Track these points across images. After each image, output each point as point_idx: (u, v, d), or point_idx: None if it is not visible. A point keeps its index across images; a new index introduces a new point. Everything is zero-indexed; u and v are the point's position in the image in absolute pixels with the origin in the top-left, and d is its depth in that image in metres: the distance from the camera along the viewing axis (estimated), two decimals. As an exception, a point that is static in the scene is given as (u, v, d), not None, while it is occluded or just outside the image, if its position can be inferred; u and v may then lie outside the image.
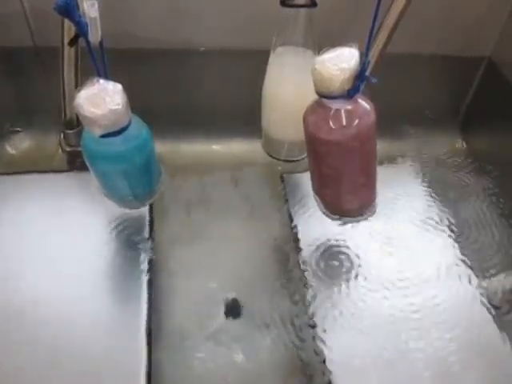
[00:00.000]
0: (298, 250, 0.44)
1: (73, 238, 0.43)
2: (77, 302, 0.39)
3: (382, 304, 0.41)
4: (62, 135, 0.52)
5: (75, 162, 0.50)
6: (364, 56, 0.33)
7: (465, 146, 0.58)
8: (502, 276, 0.44)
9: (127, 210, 0.45)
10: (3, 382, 0.35)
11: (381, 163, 0.51)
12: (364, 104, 0.35)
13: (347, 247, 0.45)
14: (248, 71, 0.52)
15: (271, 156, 0.53)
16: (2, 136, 0.53)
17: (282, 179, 0.51)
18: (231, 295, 0.41)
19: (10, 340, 0.37)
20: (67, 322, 0.38)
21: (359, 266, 0.43)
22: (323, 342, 0.38)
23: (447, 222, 0.48)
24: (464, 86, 0.60)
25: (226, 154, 0.53)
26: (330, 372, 0.37)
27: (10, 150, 0.52)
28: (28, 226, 0.44)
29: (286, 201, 0.49)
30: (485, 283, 0.43)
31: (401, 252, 0.45)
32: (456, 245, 0.46)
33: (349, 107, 0.34)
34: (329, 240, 0.45)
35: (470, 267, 0.44)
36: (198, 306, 0.40)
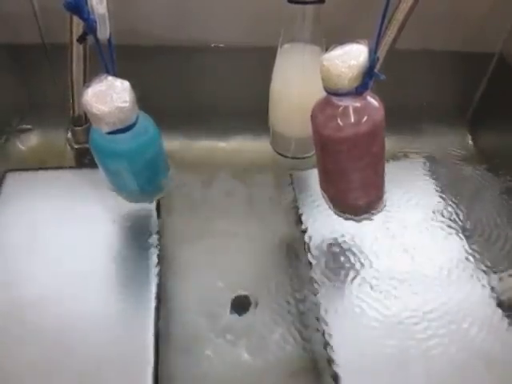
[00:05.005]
0: (307, 247, 0.44)
1: (81, 235, 0.43)
2: (84, 297, 0.39)
3: (391, 302, 0.40)
4: (71, 132, 0.52)
5: (84, 159, 0.51)
6: (372, 52, 0.32)
7: (474, 142, 0.57)
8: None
9: (135, 207, 0.45)
10: (7, 379, 0.35)
11: (389, 160, 0.51)
12: (373, 101, 0.35)
13: (356, 244, 0.44)
14: (255, 68, 0.51)
15: (279, 153, 0.53)
16: (11, 133, 0.53)
17: (291, 176, 0.51)
18: (239, 292, 0.41)
19: (16, 336, 0.37)
20: (74, 318, 0.38)
21: (368, 263, 0.43)
22: (331, 339, 0.38)
23: (457, 220, 0.47)
24: (473, 82, 0.59)
25: (234, 151, 0.53)
26: (338, 369, 0.36)
27: (18, 146, 0.52)
28: (36, 223, 0.44)
29: (295, 198, 0.48)
30: (496, 281, 0.42)
31: (410, 249, 0.44)
32: (466, 242, 0.45)
33: (357, 104, 0.34)
34: (337, 237, 0.45)
35: (481, 265, 0.44)
36: (205, 303, 0.40)
